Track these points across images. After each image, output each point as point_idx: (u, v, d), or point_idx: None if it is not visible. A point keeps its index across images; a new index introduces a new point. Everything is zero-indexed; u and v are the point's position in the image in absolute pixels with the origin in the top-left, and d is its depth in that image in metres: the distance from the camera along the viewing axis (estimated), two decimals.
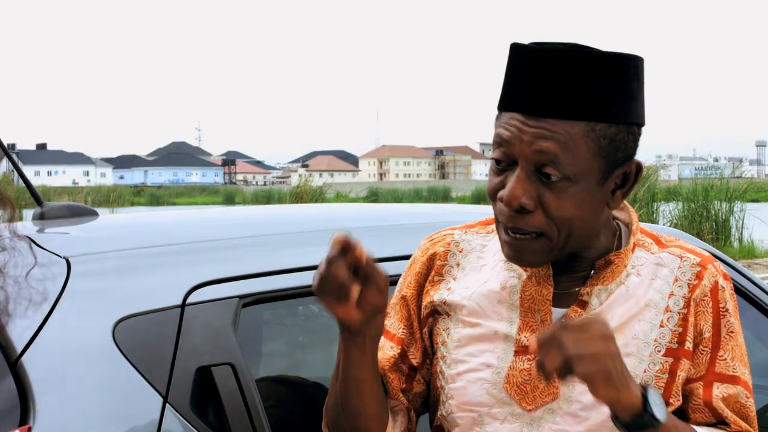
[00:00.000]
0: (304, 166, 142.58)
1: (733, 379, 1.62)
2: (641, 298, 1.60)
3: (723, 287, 1.63)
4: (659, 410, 1.43)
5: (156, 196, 68.09)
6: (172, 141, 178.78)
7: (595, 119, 1.47)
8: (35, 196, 2.29)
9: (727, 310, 1.62)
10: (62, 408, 1.61)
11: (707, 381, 1.61)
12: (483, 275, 1.66)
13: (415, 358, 1.69)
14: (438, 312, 1.67)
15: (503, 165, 1.52)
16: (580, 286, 1.60)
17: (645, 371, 1.58)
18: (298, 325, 2.36)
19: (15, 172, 2.27)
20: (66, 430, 1.60)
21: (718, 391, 1.61)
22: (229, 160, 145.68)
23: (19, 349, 1.64)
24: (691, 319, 1.59)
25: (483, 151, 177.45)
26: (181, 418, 1.69)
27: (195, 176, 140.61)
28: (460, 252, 1.69)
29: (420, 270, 1.70)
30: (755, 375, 3.13)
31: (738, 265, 2.65)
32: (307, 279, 1.59)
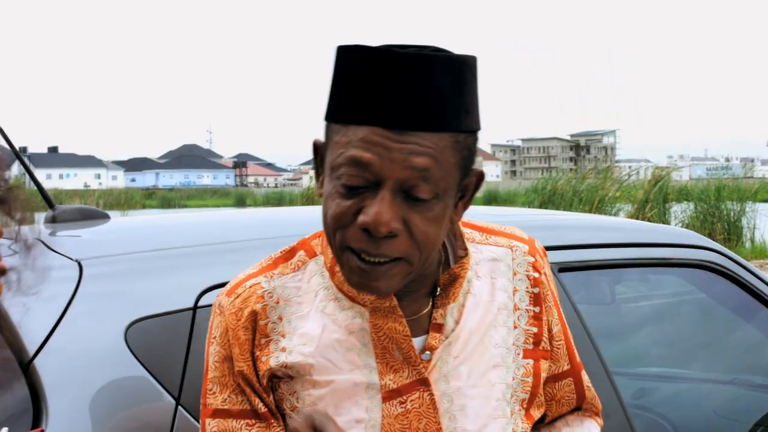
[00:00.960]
0: None
1: (582, 365, 1.61)
2: (491, 303, 1.49)
3: (549, 271, 1.57)
4: None
5: (167, 199, 68.13)
6: (183, 143, 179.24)
7: (459, 130, 1.33)
8: (47, 199, 2.30)
9: (555, 295, 1.56)
10: (74, 411, 1.61)
11: (575, 375, 1.59)
12: (314, 323, 1.45)
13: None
14: (277, 376, 1.45)
15: (359, 187, 1.32)
16: (426, 307, 1.46)
17: (513, 378, 1.48)
18: None
19: (27, 175, 2.28)
20: None
21: (585, 380, 1.60)
22: (240, 162, 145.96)
23: (31, 352, 1.64)
24: (545, 318, 1.52)
25: (494, 152, 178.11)
26: (193, 420, 1.69)
27: (206, 178, 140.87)
28: (278, 303, 1.46)
29: (245, 337, 1.45)
30: (766, 375, 3.12)
31: (750, 265, 2.65)
32: None
